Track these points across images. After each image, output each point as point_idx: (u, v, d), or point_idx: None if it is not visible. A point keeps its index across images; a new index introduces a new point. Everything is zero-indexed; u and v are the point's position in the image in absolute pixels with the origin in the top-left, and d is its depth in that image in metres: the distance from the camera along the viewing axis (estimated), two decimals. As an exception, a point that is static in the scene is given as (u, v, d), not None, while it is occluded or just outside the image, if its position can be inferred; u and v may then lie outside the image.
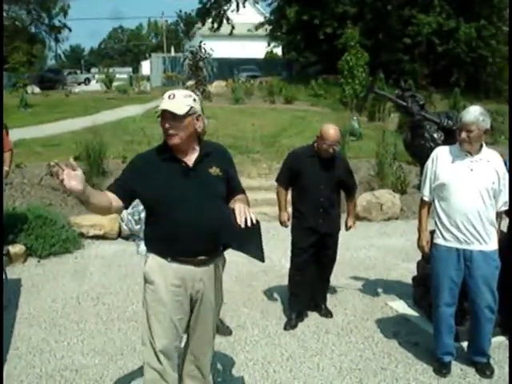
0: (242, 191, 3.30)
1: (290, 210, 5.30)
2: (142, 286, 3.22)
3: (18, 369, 4.33)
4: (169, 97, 3.00)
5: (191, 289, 3.11)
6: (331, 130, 4.90)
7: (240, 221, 2.83)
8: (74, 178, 2.67)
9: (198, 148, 3.13)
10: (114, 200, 3.01)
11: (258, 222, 2.92)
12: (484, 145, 4.07)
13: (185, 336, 3.32)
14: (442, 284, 4.13)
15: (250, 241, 2.91)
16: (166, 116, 2.98)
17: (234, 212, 2.89)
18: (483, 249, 4.02)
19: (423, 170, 4.39)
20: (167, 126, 2.99)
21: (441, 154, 4.17)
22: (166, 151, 3.08)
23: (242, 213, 2.86)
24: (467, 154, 4.02)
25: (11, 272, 6.32)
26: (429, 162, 4.24)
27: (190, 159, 3.09)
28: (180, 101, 2.99)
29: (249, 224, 2.83)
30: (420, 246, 4.39)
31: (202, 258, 3.07)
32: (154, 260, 3.11)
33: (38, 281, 6.36)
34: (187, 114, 2.99)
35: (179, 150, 3.06)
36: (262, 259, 2.97)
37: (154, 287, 3.10)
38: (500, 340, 4.67)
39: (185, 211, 2.99)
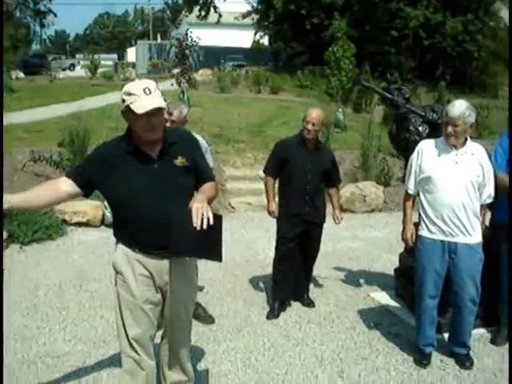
0: (211, 179, 3.17)
1: (277, 199, 5.31)
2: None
3: (-1, 355, 4.31)
4: (145, 92, 2.84)
5: (159, 280, 3.07)
6: (313, 111, 5.05)
7: (196, 223, 2.66)
8: None
9: (162, 138, 2.99)
10: (69, 186, 2.99)
11: (219, 217, 2.78)
12: (469, 138, 4.10)
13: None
14: (426, 276, 4.16)
15: (206, 242, 2.73)
16: (153, 113, 2.84)
17: (190, 212, 2.70)
18: (468, 241, 4.05)
19: (408, 162, 4.41)
20: (155, 122, 2.86)
21: (426, 148, 4.18)
22: (130, 143, 2.96)
23: (199, 213, 2.68)
24: (452, 147, 4.04)
25: (-7, 258, 6.27)
26: (414, 155, 4.25)
27: (155, 151, 2.96)
28: (157, 94, 2.87)
29: (205, 226, 2.66)
30: (404, 239, 4.39)
31: (168, 251, 2.91)
32: (122, 251, 3.07)
33: (21, 267, 6.32)
34: None
35: (145, 142, 2.94)
36: (219, 259, 2.84)
37: (123, 277, 3.07)
38: (480, 332, 4.73)
39: (145, 205, 2.90)
